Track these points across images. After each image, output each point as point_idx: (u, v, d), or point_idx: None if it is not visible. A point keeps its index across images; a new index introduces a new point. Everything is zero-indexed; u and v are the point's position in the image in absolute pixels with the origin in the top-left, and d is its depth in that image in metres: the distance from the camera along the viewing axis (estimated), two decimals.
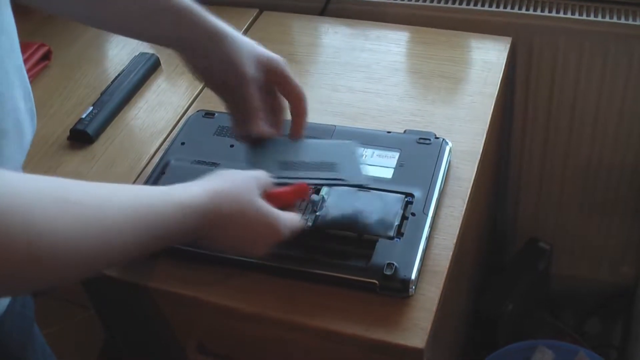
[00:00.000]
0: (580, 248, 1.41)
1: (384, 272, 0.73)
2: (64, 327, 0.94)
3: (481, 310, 1.30)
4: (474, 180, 0.88)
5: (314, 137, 0.84)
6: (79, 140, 1.00)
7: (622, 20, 1.08)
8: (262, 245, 0.70)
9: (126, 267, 0.82)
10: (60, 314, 0.99)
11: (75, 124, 1.01)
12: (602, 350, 1.41)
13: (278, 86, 0.80)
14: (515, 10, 1.12)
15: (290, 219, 0.72)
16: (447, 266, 0.78)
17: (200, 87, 1.07)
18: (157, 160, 0.92)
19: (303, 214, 0.80)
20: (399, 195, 0.81)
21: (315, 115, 0.98)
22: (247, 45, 0.77)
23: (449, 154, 0.87)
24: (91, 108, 1.02)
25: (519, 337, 1.26)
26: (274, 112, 0.81)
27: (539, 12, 1.12)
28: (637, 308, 1.37)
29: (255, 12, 1.21)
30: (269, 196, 0.71)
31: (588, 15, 1.10)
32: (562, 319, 1.48)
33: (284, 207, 0.72)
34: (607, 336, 1.46)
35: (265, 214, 0.69)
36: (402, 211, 0.79)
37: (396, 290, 0.74)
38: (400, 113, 0.97)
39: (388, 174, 0.84)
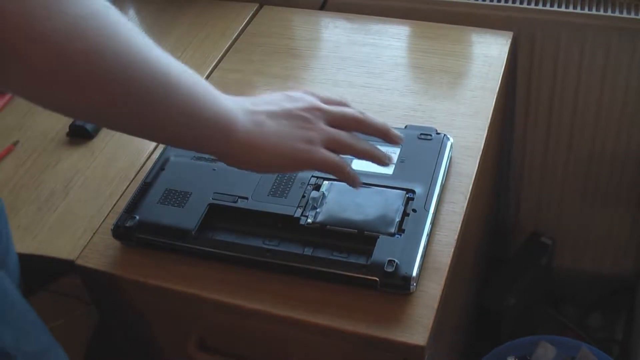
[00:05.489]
0: (583, 242, 1.41)
1: (385, 269, 0.73)
2: (64, 322, 0.93)
3: (483, 305, 1.30)
4: (476, 175, 0.87)
5: None
6: (78, 136, 1.00)
7: (625, 14, 1.07)
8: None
9: (126, 264, 0.82)
10: (60, 308, 0.98)
11: (74, 119, 1.00)
12: (605, 344, 1.41)
13: None
14: (517, 4, 1.12)
15: None
16: (449, 263, 0.77)
17: None
18: (157, 156, 0.92)
19: (303, 210, 0.80)
20: (399, 191, 0.81)
21: None
22: None
23: (450, 149, 0.87)
24: None
25: (521, 332, 1.25)
26: None
27: (540, 6, 1.11)
28: (639, 302, 1.37)
29: (255, 6, 1.20)
30: None
31: (590, 9, 1.09)
32: (564, 313, 1.48)
33: None
34: (610, 330, 1.45)
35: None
36: (403, 207, 0.79)
37: (397, 287, 0.73)
38: (401, 108, 0.97)
39: (389, 169, 0.84)
